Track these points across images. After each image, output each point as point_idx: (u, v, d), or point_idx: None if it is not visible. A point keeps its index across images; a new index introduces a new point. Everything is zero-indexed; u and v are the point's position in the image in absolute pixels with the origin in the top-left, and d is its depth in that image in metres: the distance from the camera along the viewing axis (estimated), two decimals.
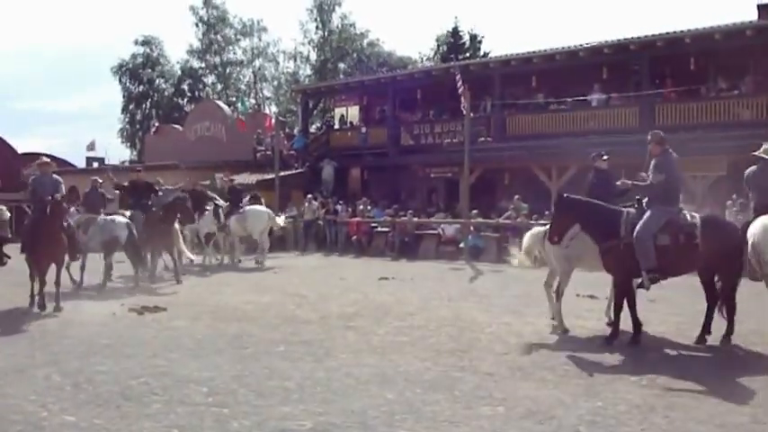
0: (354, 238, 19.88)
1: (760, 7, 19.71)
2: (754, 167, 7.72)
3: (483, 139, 21.39)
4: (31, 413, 5.05)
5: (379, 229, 19.87)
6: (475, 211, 18.13)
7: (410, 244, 18.82)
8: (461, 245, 17.54)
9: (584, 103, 20.53)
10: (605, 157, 8.64)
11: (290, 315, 9.14)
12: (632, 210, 7.43)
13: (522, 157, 19.77)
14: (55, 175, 10.53)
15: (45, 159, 10.93)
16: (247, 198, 17.31)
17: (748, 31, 17.95)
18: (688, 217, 7.24)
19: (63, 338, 7.69)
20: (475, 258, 16.79)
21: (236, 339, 7.55)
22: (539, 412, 4.97)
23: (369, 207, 20.85)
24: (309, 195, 21.55)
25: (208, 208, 15.58)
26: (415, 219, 19.33)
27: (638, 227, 7.14)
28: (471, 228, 17.68)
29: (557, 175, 18.98)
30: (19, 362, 6.59)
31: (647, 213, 7.21)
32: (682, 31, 19.02)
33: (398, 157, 23.76)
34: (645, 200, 7.45)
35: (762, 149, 7.90)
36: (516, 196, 18.02)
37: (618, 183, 8.04)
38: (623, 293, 7.37)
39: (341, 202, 21.99)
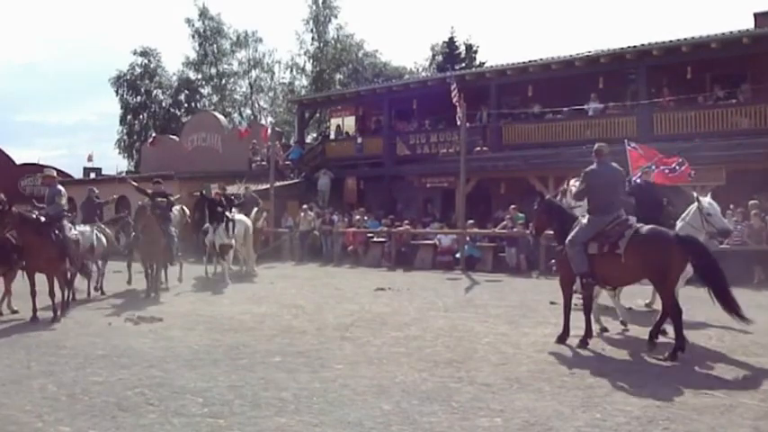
0: (350, 248, 19.81)
1: (756, 15, 19.82)
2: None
3: (479, 148, 21.39)
4: (26, 424, 5.03)
5: (376, 239, 19.78)
6: (471, 221, 18.09)
7: (406, 254, 18.78)
8: (458, 255, 17.51)
9: (581, 112, 20.52)
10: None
11: (287, 326, 9.11)
12: (583, 219, 7.72)
13: (518, 167, 19.73)
14: (59, 186, 10.57)
15: (49, 173, 10.89)
16: (255, 211, 17.27)
17: (745, 39, 17.96)
18: (624, 228, 7.26)
19: (59, 349, 7.66)
20: (471, 268, 16.78)
21: (232, 350, 7.53)
22: (536, 423, 4.95)
23: (365, 217, 20.81)
24: (305, 206, 21.46)
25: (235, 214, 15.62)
26: (412, 229, 19.30)
27: (570, 234, 7.55)
28: (467, 238, 17.66)
29: (553, 184, 18.92)
30: (15, 372, 6.57)
31: (582, 222, 7.58)
32: (678, 40, 19.05)
33: (394, 168, 23.75)
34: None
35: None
36: (512, 206, 17.98)
37: None
38: (568, 296, 7.83)
39: (337, 212, 21.94)
